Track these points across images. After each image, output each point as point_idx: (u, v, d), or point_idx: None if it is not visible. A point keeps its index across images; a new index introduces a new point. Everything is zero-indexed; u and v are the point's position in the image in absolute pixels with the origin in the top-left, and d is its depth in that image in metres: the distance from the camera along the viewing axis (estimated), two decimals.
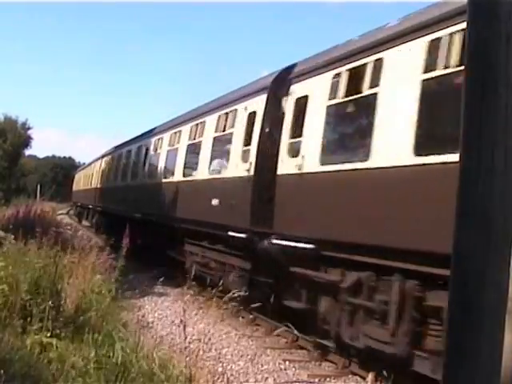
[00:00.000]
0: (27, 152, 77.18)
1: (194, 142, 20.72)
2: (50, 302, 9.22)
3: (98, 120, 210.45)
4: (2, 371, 6.29)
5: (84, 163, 75.82)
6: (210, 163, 18.68)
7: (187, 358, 8.12)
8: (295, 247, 12.93)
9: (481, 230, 1.63)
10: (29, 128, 66.62)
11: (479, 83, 1.65)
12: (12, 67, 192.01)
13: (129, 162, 32.54)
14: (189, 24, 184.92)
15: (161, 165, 25.11)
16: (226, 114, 18.11)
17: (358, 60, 11.65)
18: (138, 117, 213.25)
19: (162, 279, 12.39)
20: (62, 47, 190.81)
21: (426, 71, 9.74)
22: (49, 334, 8.74)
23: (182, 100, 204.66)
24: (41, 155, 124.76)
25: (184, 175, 21.24)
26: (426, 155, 9.35)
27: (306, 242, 12.42)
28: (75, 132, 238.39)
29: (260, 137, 15.18)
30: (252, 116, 15.95)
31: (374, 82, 11.00)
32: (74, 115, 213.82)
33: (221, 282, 13.22)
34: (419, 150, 9.55)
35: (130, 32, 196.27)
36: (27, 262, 10.80)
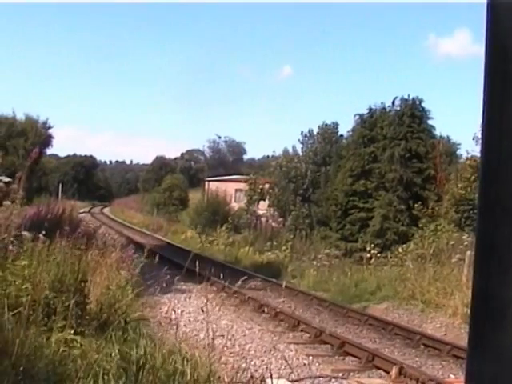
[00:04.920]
0: (48, 151, 77.50)
1: None
2: (74, 300, 9.26)
3: (117, 118, 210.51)
4: (22, 368, 6.33)
5: (105, 162, 75.20)
6: None
7: (211, 354, 8.13)
8: None
9: (503, 222, 1.61)
10: (49, 127, 66.79)
11: (500, 74, 1.63)
12: (31, 66, 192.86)
13: None
14: (203, 22, 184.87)
15: None
16: None
17: None
18: (152, 115, 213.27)
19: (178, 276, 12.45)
20: (78, 43, 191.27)
21: None
22: (73, 332, 8.79)
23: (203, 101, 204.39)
24: (62, 154, 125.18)
25: None
26: None
27: None
28: (95, 130, 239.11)
29: None
30: None
31: None
32: (93, 113, 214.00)
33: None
34: None
35: (143, 30, 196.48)
36: (51, 260, 10.85)
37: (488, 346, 1.61)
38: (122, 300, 12.04)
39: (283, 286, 17.86)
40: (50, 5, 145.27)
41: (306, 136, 49.13)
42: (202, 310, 9.20)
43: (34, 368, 6.72)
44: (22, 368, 6.31)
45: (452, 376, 12.14)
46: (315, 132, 48.85)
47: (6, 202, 10.88)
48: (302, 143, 49.69)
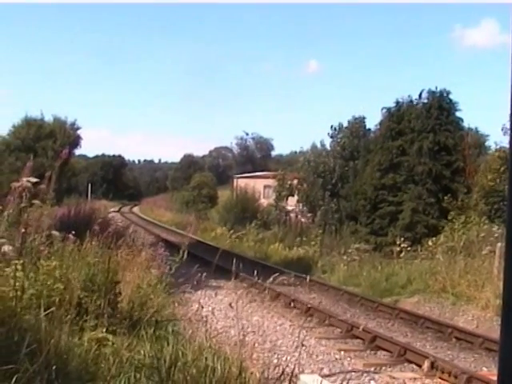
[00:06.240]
0: (77, 152, 77.89)
1: None
2: (105, 299, 9.32)
3: (144, 117, 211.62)
4: (55, 367, 6.38)
5: (133, 161, 75.30)
6: None
7: (242, 351, 8.14)
8: None
9: None
10: (78, 128, 67.12)
11: None
12: (58, 69, 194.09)
13: None
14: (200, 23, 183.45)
15: None
16: None
17: None
18: (179, 113, 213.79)
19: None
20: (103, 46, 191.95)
21: None
22: (105, 330, 8.84)
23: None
24: (90, 154, 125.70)
25: None
26: None
27: None
28: (123, 130, 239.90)
29: None
30: None
31: None
32: (120, 113, 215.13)
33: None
34: None
35: (164, 28, 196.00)
36: (81, 259, 10.92)
37: None
38: (153, 298, 12.09)
39: (307, 279, 18.03)
40: (66, 5, 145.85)
41: (335, 130, 48.83)
42: (231, 306, 9.23)
43: (67, 367, 6.77)
44: (55, 367, 6.36)
45: (485, 369, 12.07)
46: (344, 126, 48.53)
47: (37, 202, 10.93)
48: (331, 137, 49.36)
